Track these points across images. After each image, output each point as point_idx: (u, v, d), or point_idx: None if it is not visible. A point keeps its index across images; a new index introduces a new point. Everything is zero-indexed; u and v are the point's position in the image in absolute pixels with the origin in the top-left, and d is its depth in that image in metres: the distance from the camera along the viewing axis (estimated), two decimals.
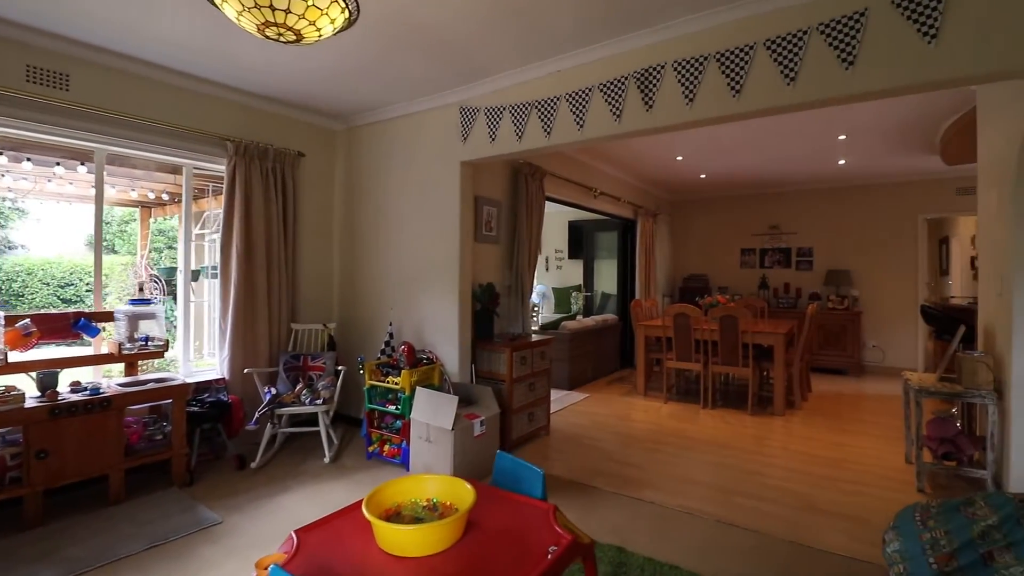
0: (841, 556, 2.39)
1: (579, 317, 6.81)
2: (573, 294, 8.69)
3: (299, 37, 1.98)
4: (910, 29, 2.18)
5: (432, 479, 1.60)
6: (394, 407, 3.36)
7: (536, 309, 9.35)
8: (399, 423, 3.35)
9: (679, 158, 5.78)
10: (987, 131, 3.28)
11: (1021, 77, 2.11)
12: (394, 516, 1.48)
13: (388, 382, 3.38)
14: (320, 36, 2.01)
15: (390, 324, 3.80)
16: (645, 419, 4.54)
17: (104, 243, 3.87)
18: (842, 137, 4.89)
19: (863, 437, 4.08)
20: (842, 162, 5.88)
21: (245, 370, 3.44)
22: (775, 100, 2.50)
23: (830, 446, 3.86)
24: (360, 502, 1.50)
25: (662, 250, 7.81)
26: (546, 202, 5.18)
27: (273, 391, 3.39)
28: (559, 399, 5.10)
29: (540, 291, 9.34)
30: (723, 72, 2.62)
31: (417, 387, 3.21)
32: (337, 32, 2.04)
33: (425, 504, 1.54)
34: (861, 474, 3.35)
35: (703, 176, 6.76)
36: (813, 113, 4.28)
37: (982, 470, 3.01)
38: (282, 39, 1.99)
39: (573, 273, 8.88)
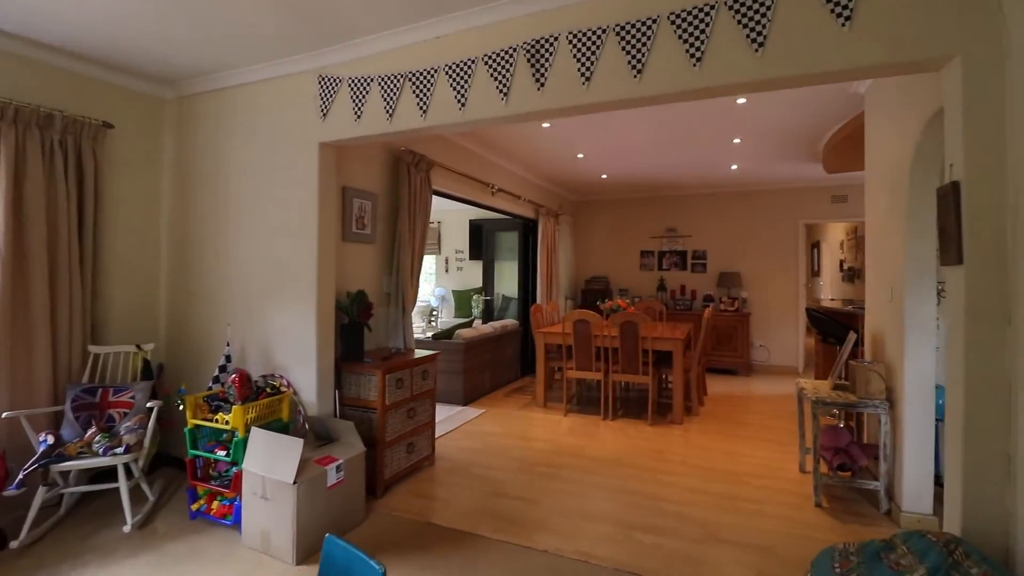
0: None
1: (476, 323, 6.33)
2: (474, 297, 8.21)
3: None
4: (824, 10, 1.92)
5: None
6: (224, 452, 2.62)
7: (435, 314, 8.75)
8: (233, 471, 2.62)
9: (580, 156, 5.49)
10: (876, 136, 3.25)
11: (931, 69, 1.92)
12: None
13: (217, 420, 2.64)
14: None
15: (227, 344, 3.03)
16: (543, 437, 4.15)
17: None
18: (737, 140, 4.85)
19: (757, 444, 4.00)
20: (735, 167, 5.95)
21: (4, 414, 2.50)
22: (680, 83, 2.15)
23: (727, 457, 3.71)
24: None
25: (565, 251, 7.57)
26: (438, 198, 4.64)
27: (50, 439, 2.50)
28: (450, 418, 4.56)
29: (439, 295, 8.74)
30: (624, 48, 2.23)
31: (252, 427, 2.51)
32: None
33: None
34: (759, 489, 3.18)
35: (605, 176, 6.58)
36: (712, 115, 4.14)
37: (875, 481, 2.94)
38: None
39: (475, 275, 8.40)
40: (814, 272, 10.49)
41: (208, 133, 3.36)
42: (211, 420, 2.66)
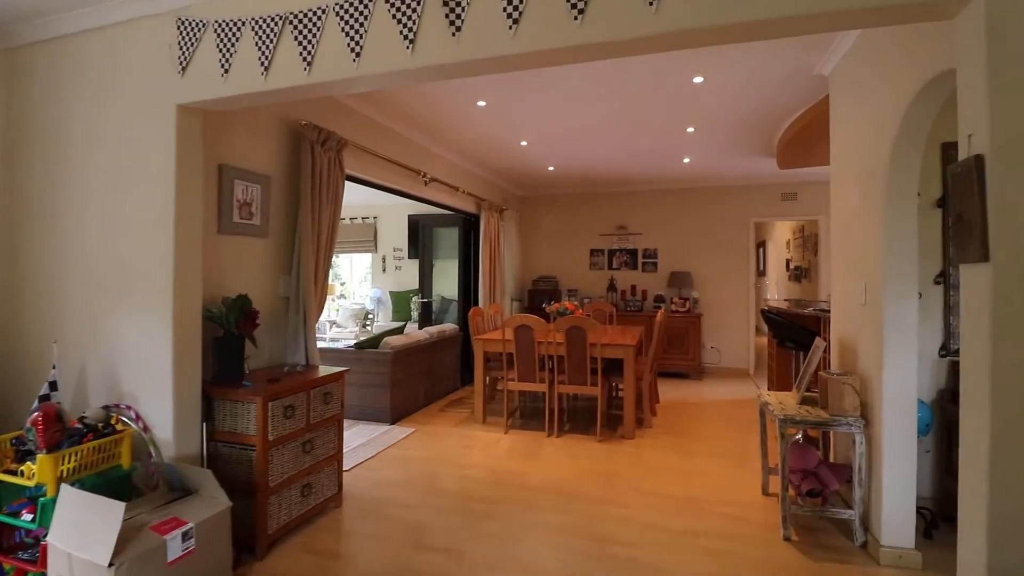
0: None
1: (411, 328, 5.72)
2: (413, 299, 7.57)
3: None
4: None
5: None
6: (31, 516, 1.93)
7: (370, 318, 8.04)
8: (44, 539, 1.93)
9: (524, 143, 4.99)
10: (843, 119, 2.91)
11: (939, 17, 1.52)
12: None
13: (22, 473, 1.94)
14: None
15: (53, 367, 2.31)
16: (480, 462, 3.61)
17: None
18: (691, 129, 4.49)
19: (714, 460, 3.62)
20: (687, 160, 5.63)
21: None
22: (636, 27, 1.67)
23: (683, 479, 3.30)
24: None
25: (511, 249, 7.07)
26: (368, 189, 4.03)
27: None
28: (372, 441, 3.94)
29: (375, 296, 8.05)
30: None
31: (63, 485, 1.83)
32: None
33: None
34: (721, 519, 2.77)
35: (551, 169, 6.11)
36: (666, 100, 3.74)
37: (848, 510, 2.58)
38: None
39: (415, 275, 7.75)
40: (760, 272, 10.50)
41: (41, 93, 2.60)
42: (14, 473, 1.96)
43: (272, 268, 3.00)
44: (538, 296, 7.17)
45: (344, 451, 3.47)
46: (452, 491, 3.12)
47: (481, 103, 3.84)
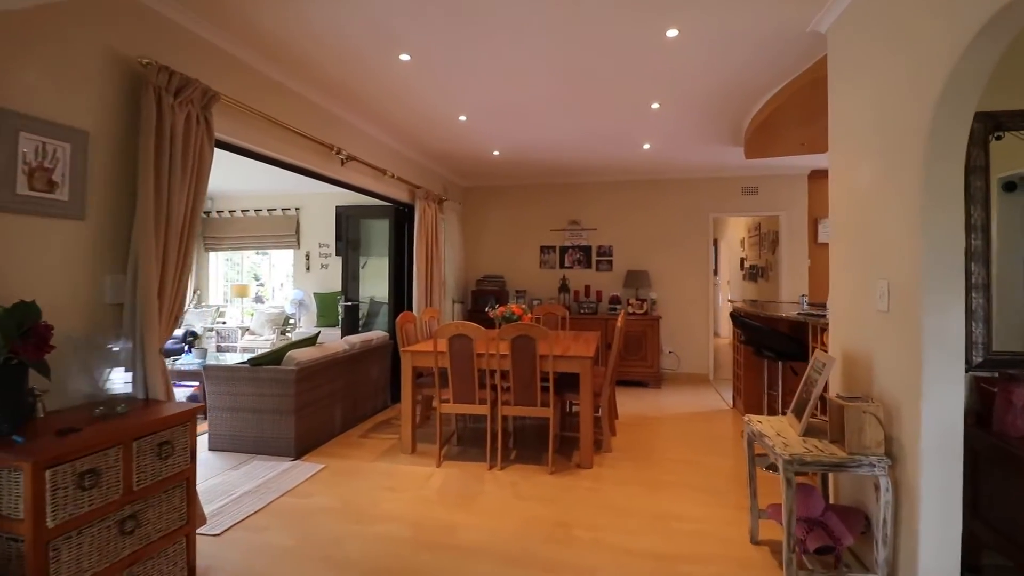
0: None
1: (327, 338, 4.86)
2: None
3: None
4: None
5: None
6: None
7: (291, 323, 7.06)
8: None
9: (463, 118, 4.26)
10: (849, 85, 2.36)
11: None
12: None
13: None
14: None
15: None
16: (402, 511, 2.84)
17: None
18: (656, 105, 3.90)
19: (687, 495, 3.02)
20: (647, 146, 5.07)
21: None
22: None
23: (654, 524, 2.68)
24: None
25: (452, 245, 6.31)
26: (288, 173, 3.18)
27: None
28: (262, 487, 3.08)
29: (297, 299, 7.08)
30: None
31: None
32: None
33: None
34: None
35: (497, 153, 5.41)
36: (632, 64, 3.11)
37: (869, 575, 2.02)
38: None
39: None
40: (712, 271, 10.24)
41: None
42: None
43: (92, 264, 2.11)
44: (483, 298, 6.45)
45: (216, 507, 2.65)
46: (359, 562, 2.34)
47: (404, 56, 3.07)
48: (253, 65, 3.05)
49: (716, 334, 8.91)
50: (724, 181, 6.34)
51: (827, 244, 6.23)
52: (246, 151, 3.02)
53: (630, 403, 5.28)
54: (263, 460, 3.48)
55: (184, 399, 4.36)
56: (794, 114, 3.81)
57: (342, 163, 3.92)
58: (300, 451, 3.58)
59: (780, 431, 2.28)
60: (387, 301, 5.43)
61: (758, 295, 7.58)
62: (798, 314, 3.14)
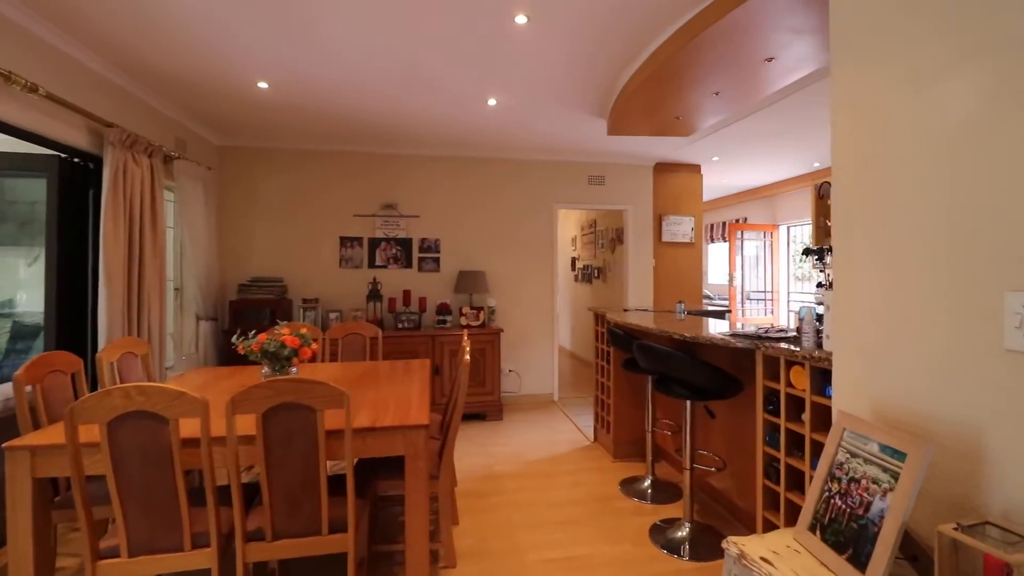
0: None
1: None
2: None
3: None
4: None
5: None
6: None
7: None
8: None
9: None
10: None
11: None
12: None
13: None
14: None
15: None
16: None
17: None
18: (522, 19, 2.52)
19: None
20: (493, 102, 3.71)
21: None
22: None
23: None
24: None
25: (196, 231, 4.08)
26: None
27: None
28: None
29: None
30: None
31: None
32: None
33: None
34: None
35: (264, 85, 3.46)
36: None
37: None
38: None
39: None
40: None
41: None
42: None
43: None
44: (249, 313, 4.36)
45: None
46: None
47: None
48: None
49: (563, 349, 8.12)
50: (571, 167, 5.39)
51: (673, 243, 5.87)
52: None
53: (469, 450, 3.87)
54: None
55: None
56: (676, 78, 2.86)
57: None
58: None
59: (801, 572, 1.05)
60: (44, 322, 3.01)
61: (594, 298, 6.91)
62: (752, 338, 2.04)
